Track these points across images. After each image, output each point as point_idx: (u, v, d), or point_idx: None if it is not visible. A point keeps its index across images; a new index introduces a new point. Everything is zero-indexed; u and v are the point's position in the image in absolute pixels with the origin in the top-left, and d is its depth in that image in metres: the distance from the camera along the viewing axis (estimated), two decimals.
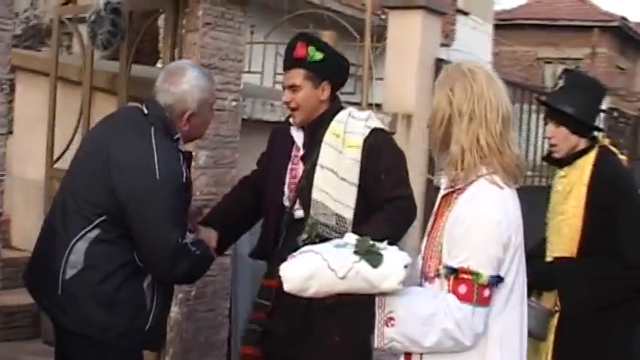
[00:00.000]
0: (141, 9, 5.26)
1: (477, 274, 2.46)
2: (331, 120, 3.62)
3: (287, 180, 3.66)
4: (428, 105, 6.61)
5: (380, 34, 7.80)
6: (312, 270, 2.44)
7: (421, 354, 2.54)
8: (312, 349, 3.51)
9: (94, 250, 3.10)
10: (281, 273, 2.53)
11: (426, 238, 2.70)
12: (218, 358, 4.73)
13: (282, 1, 4.50)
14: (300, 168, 3.64)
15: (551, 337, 3.68)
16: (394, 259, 2.44)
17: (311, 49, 3.61)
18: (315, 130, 3.62)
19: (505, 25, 24.50)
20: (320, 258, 2.46)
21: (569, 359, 3.68)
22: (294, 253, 2.59)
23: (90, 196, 3.15)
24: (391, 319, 2.47)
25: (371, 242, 2.51)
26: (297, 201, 3.61)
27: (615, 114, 12.62)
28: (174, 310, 4.47)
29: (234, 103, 4.82)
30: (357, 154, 3.51)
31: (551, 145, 3.81)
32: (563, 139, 3.74)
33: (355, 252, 2.45)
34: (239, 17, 4.82)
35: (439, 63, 7.06)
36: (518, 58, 26.40)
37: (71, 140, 5.44)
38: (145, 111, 3.28)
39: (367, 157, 3.50)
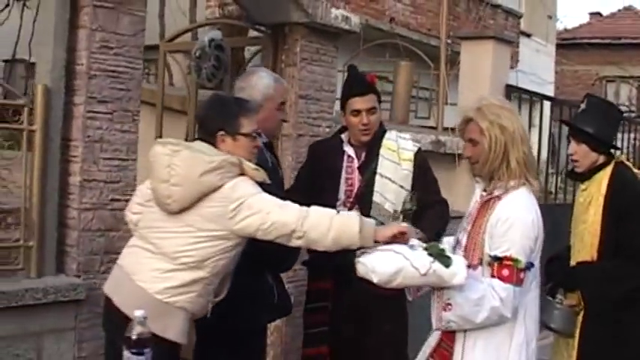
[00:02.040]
0: (242, 45, 5.81)
1: (517, 261, 3.14)
2: (382, 138, 4.24)
3: (343, 188, 4.24)
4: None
5: (452, 61, 8.26)
6: (399, 267, 3.01)
7: (465, 331, 3.19)
8: (370, 337, 4.16)
9: None
10: (367, 265, 3.07)
11: (465, 235, 3.36)
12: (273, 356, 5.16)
13: (339, 33, 4.95)
14: (357, 177, 4.23)
15: (577, 334, 4.04)
16: (459, 261, 3.07)
17: (376, 80, 4.35)
18: (373, 146, 4.22)
19: (566, 45, 24.63)
20: (403, 257, 3.04)
21: (593, 354, 4.01)
22: (370, 251, 3.14)
23: None
24: (449, 304, 3.11)
25: (440, 247, 3.12)
26: (356, 205, 4.16)
27: None
28: None
29: (327, 130, 5.37)
30: (410, 166, 4.20)
31: (574, 161, 4.22)
32: (584, 155, 4.12)
33: (429, 254, 3.04)
34: (332, 52, 5.38)
35: (509, 89, 7.51)
36: (580, 76, 26.39)
37: None
38: None
39: (418, 170, 4.19)
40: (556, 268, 4.20)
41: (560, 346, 4.17)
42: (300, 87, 5.06)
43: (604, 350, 4.00)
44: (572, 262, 4.19)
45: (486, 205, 3.30)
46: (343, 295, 4.17)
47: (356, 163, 4.24)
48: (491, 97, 3.49)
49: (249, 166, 3.32)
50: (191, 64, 5.63)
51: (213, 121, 3.41)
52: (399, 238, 3.21)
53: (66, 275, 4.15)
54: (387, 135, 4.26)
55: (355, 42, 9.31)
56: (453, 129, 7.45)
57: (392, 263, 3.04)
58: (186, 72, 5.59)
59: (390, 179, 4.14)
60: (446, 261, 3.02)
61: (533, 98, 8.04)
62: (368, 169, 4.18)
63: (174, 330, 3.27)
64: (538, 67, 17.74)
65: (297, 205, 3.27)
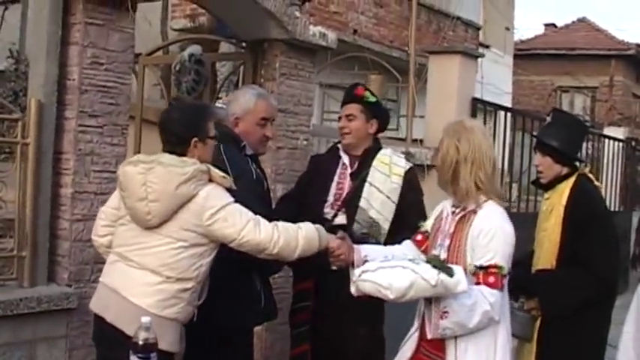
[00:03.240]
0: (224, 60, 5.95)
1: (501, 268, 3.33)
2: (377, 152, 4.51)
3: (333, 190, 4.50)
4: None
5: (418, 73, 8.48)
6: (412, 281, 3.15)
7: (455, 338, 3.32)
8: (348, 340, 4.35)
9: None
10: (382, 283, 3.20)
11: (444, 250, 3.49)
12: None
13: (315, 49, 5.11)
14: (348, 182, 4.49)
15: (535, 338, 4.27)
16: (459, 270, 3.23)
17: (367, 92, 4.59)
18: (365, 157, 4.49)
19: (522, 55, 25.02)
20: (411, 271, 3.18)
21: (551, 356, 4.23)
22: (370, 267, 3.28)
23: None
24: (445, 312, 3.25)
25: (440, 258, 3.32)
26: (342, 209, 4.39)
27: (633, 143, 13.15)
28: None
29: (305, 142, 5.54)
30: (399, 181, 4.44)
31: (539, 172, 4.46)
32: (548, 167, 4.36)
33: (433, 266, 3.19)
34: (309, 67, 5.55)
35: (474, 102, 7.76)
36: (535, 87, 26.80)
37: None
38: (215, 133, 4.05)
39: (406, 187, 4.43)
40: (517, 273, 4.42)
41: (522, 350, 4.38)
42: (279, 101, 5.20)
43: (560, 354, 4.20)
44: (533, 269, 4.41)
45: (463, 220, 3.47)
46: (323, 294, 4.38)
47: (349, 170, 4.49)
48: (466, 120, 3.71)
49: (217, 173, 3.46)
50: (172, 77, 5.76)
51: (186, 130, 3.48)
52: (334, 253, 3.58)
53: (57, 284, 4.27)
54: (383, 151, 4.53)
55: (323, 55, 9.50)
56: (421, 140, 7.69)
57: (405, 278, 3.16)
58: (173, 84, 5.72)
59: (378, 189, 4.37)
60: (450, 271, 3.17)
61: (496, 110, 8.27)
62: (359, 176, 4.42)
63: (168, 340, 3.38)
64: (496, 78, 18.04)
65: (268, 224, 3.46)
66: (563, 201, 4.25)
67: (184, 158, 3.42)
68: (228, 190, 3.47)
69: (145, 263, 3.40)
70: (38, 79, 4.17)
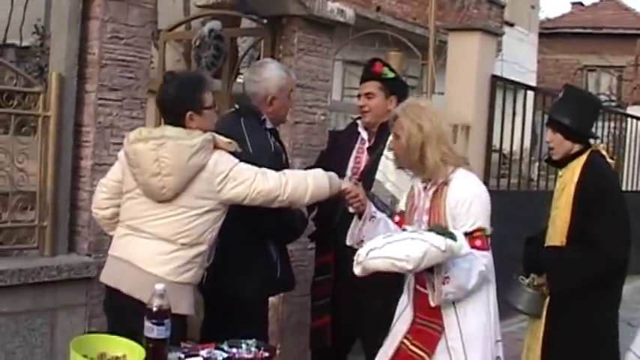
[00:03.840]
0: (243, 35, 6.01)
1: (484, 230, 3.49)
2: None
3: (351, 164, 4.56)
4: (485, 117, 7.34)
5: (438, 51, 8.49)
6: (424, 250, 3.21)
7: (453, 303, 3.46)
8: (363, 313, 4.42)
9: (222, 230, 3.88)
10: (397, 256, 3.23)
11: (425, 226, 3.56)
12: (306, 336, 5.25)
13: (333, 25, 5.15)
14: (365, 157, 4.54)
15: (543, 316, 4.29)
16: (459, 234, 3.35)
17: (385, 69, 4.61)
18: (384, 131, 4.42)
19: (548, 34, 24.90)
20: (421, 241, 3.24)
21: (559, 334, 4.25)
22: (377, 244, 3.31)
23: None
24: (447, 277, 3.35)
25: (441, 225, 3.40)
26: (360, 183, 4.38)
27: None
28: None
29: (322, 117, 5.60)
30: None
31: (550, 149, 4.45)
32: (559, 143, 4.34)
33: (437, 232, 3.26)
34: (327, 43, 5.61)
35: (494, 79, 7.76)
36: (561, 66, 26.68)
37: None
38: (237, 106, 4.17)
39: None
40: (528, 250, 4.47)
41: (532, 326, 4.43)
42: (297, 76, 5.22)
43: (568, 332, 4.21)
44: (544, 246, 4.42)
45: (437, 193, 3.58)
46: (343, 267, 4.42)
47: (367, 144, 4.56)
48: (419, 100, 3.89)
49: (222, 139, 3.54)
50: (192, 52, 5.83)
51: (179, 104, 3.53)
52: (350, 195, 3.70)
53: (77, 254, 4.37)
54: None
55: (344, 31, 9.53)
56: None
57: (418, 247, 3.22)
58: (193, 59, 5.80)
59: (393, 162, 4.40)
60: (453, 236, 3.26)
61: (517, 88, 8.27)
62: (376, 150, 4.47)
63: (185, 304, 3.52)
64: (520, 57, 17.99)
65: (275, 172, 3.58)
66: (575, 178, 4.25)
67: (189, 130, 3.50)
68: (234, 154, 3.56)
69: (159, 233, 3.49)
70: (59, 53, 4.26)
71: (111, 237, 4.30)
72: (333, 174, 3.73)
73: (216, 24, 5.74)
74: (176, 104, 3.54)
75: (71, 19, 4.23)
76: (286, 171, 3.65)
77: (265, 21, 5.66)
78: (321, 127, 5.59)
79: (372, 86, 4.54)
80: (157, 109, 6.21)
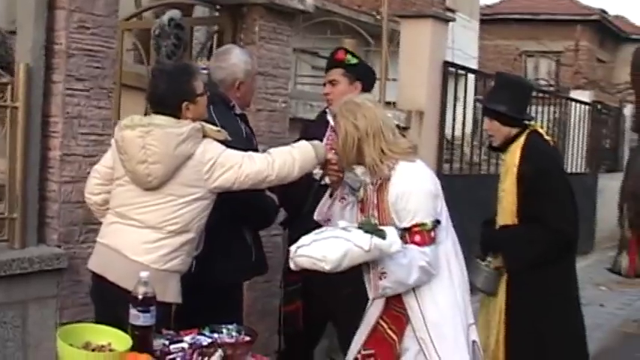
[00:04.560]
0: (201, 24, 6.02)
1: (423, 224, 3.45)
2: None
3: None
4: (437, 103, 7.47)
5: (389, 38, 8.58)
6: (345, 249, 3.25)
7: (413, 289, 3.48)
8: (334, 299, 4.48)
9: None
10: (316, 256, 3.29)
11: (376, 220, 3.56)
12: (272, 321, 5.41)
13: (293, 13, 5.20)
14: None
15: (503, 292, 4.48)
16: (391, 231, 3.36)
17: (348, 55, 4.70)
18: None
19: (487, 20, 25.20)
20: (344, 240, 3.29)
21: (518, 310, 4.44)
22: (305, 241, 3.35)
23: None
24: (384, 273, 3.40)
25: (372, 222, 3.44)
26: None
27: (599, 106, 13.39)
28: None
29: (283, 105, 5.65)
30: None
31: (490, 136, 4.65)
32: (497, 130, 4.53)
33: (366, 231, 3.31)
34: (287, 31, 5.64)
35: (446, 65, 7.89)
36: (501, 51, 27.02)
37: None
38: None
39: None
40: (483, 233, 4.62)
41: (488, 304, 4.58)
42: (259, 65, 5.28)
43: (527, 309, 4.41)
44: (497, 226, 4.60)
45: (381, 188, 3.59)
46: None
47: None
48: (354, 97, 3.83)
49: (211, 128, 3.59)
50: (151, 41, 5.82)
51: (173, 97, 3.57)
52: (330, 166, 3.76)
53: (47, 245, 4.34)
54: None
55: (295, 20, 9.54)
56: (393, 103, 7.82)
57: (338, 248, 3.26)
58: (153, 48, 5.78)
59: None
60: (382, 234, 3.28)
61: (459, 73, 8.41)
62: None
63: (172, 292, 3.57)
64: (462, 44, 18.18)
65: (260, 154, 3.67)
66: (516, 160, 4.42)
67: (177, 120, 3.53)
68: (223, 142, 3.60)
69: (146, 220, 3.52)
70: (26, 44, 4.21)
71: (81, 227, 4.34)
72: (317, 142, 3.79)
73: (175, 13, 5.74)
74: (170, 97, 3.57)
75: (37, 9, 4.19)
76: (271, 150, 3.70)
77: (218, 8, 5.67)
78: (281, 115, 5.63)
79: (336, 73, 4.63)
80: (116, 99, 6.27)
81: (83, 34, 4.31)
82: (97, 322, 3.43)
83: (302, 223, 3.99)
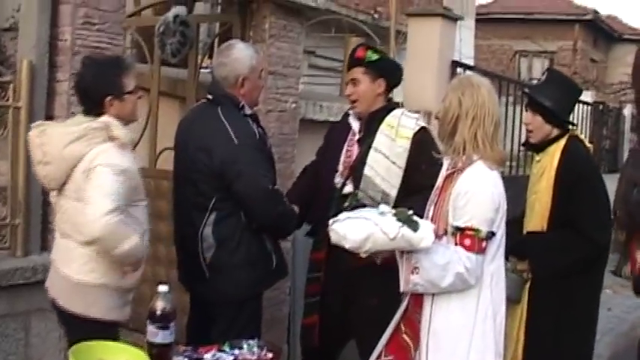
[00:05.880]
0: (209, 21, 5.79)
1: (477, 231, 3.27)
2: (386, 114, 4.29)
3: (342, 159, 4.35)
4: None
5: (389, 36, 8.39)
6: (369, 232, 3.16)
7: (433, 295, 3.32)
8: (357, 311, 4.24)
9: (218, 229, 3.79)
10: (339, 232, 3.22)
11: (432, 207, 3.49)
12: (281, 330, 5.28)
13: (303, 10, 4.99)
14: (356, 150, 4.32)
15: (525, 300, 4.27)
16: (426, 226, 3.22)
17: (369, 52, 4.36)
18: (373, 120, 4.29)
19: (481, 20, 25.04)
20: (372, 223, 3.19)
21: (540, 319, 4.23)
22: (341, 217, 3.29)
23: (197, 191, 3.84)
24: (416, 268, 3.26)
25: (408, 213, 3.26)
26: (350, 178, 4.26)
27: (600, 107, 13.27)
28: None
29: (293, 105, 5.43)
30: (406, 144, 4.20)
31: (529, 132, 4.40)
32: (538, 126, 4.31)
33: (398, 219, 3.19)
34: (297, 29, 5.43)
35: (454, 64, 7.70)
36: (494, 51, 26.89)
37: (139, 141, 5.90)
38: (210, 97, 3.98)
39: (414, 149, 4.18)
40: (508, 235, 4.40)
41: (510, 312, 4.34)
42: (269, 63, 5.09)
43: (550, 317, 4.21)
44: (524, 231, 4.39)
45: (450, 177, 3.44)
46: (333, 265, 4.27)
47: (357, 137, 4.35)
48: (475, 76, 3.67)
49: (117, 126, 3.28)
50: (155, 39, 5.59)
51: (97, 89, 3.33)
52: None
53: (49, 253, 4.12)
54: (393, 112, 4.31)
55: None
56: (401, 103, 7.58)
57: (362, 229, 3.18)
58: (157, 46, 5.56)
59: (383, 154, 4.19)
60: (414, 225, 3.16)
61: (476, 73, 8.22)
62: (366, 142, 4.26)
63: (98, 307, 3.28)
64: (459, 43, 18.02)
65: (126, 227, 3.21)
66: (555, 163, 4.23)
67: (82, 118, 3.33)
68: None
69: (64, 229, 3.34)
70: (29, 40, 4.01)
71: None
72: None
73: (181, 9, 5.50)
74: (94, 89, 3.33)
75: (41, 3, 3.98)
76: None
77: (220, 4, 5.46)
78: (291, 115, 5.42)
79: (357, 72, 4.33)
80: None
81: (89, 30, 4.12)
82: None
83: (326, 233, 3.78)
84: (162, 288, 2.88)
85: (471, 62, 19.44)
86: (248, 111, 3.94)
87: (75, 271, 3.27)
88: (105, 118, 3.27)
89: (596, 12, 27.10)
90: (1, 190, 4.05)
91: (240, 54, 3.97)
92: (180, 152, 4.06)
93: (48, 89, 4.06)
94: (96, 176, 3.16)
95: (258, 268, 3.86)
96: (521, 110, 8.39)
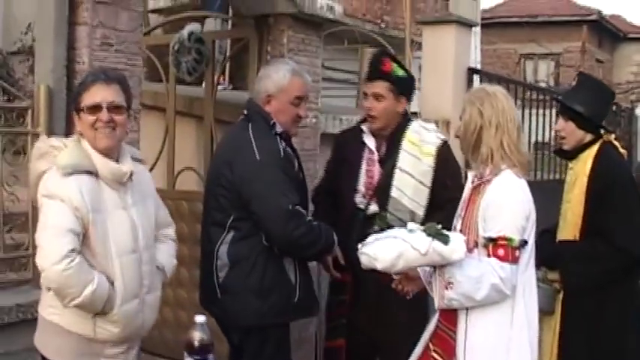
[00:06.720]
0: (224, 37, 5.70)
1: (510, 240, 3.23)
2: (405, 129, 4.15)
3: (363, 179, 4.18)
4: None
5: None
6: (400, 251, 3.13)
7: (467, 310, 3.26)
8: (385, 329, 4.13)
9: (233, 249, 3.66)
10: (370, 255, 3.17)
11: (460, 220, 3.45)
12: (308, 350, 5.16)
13: (321, 22, 4.91)
14: (377, 170, 4.17)
15: (558, 311, 4.15)
16: (456, 238, 3.18)
17: (395, 65, 4.18)
18: (394, 138, 4.15)
19: (485, 24, 24.96)
20: (402, 241, 3.15)
21: (573, 331, 4.11)
22: (369, 240, 3.23)
23: (219, 206, 3.72)
24: (450, 283, 3.20)
25: (437, 227, 3.20)
26: (374, 199, 4.11)
27: (614, 107, 13.10)
28: None
29: (314, 120, 5.33)
30: (431, 161, 4.10)
31: (561, 138, 4.27)
32: (571, 132, 4.18)
33: (428, 234, 3.14)
34: (315, 42, 5.34)
35: (470, 71, 7.56)
36: (500, 55, 26.85)
37: (156, 161, 5.80)
38: (245, 112, 3.86)
39: (439, 166, 4.10)
40: (539, 245, 4.26)
41: (542, 324, 4.21)
42: None
43: (583, 330, 4.08)
44: (556, 240, 4.26)
45: (477, 189, 3.38)
46: (360, 287, 4.14)
47: (376, 156, 4.19)
48: (487, 86, 3.64)
49: (62, 147, 2.99)
50: (170, 57, 5.50)
51: (72, 102, 3.15)
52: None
53: None
54: (411, 127, 4.17)
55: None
56: (417, 113, 7.48)
57: (393, 248, 3.14)
58: (172, 64, 5.47)
59: (409, 174, 4.07)
60: (444, 239, 3.12)
61: (491, 80, 8.11)
62: (389, 162, 4.12)
63: (51, 347, 3.09)
64: None
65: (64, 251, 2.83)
66: (587, 170, 4.11)
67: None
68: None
69: None
70: (46, 64, 3.90)
71: None
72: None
73: (195, 26, 5.42)
74: (72, 102, 3.14)
75: (58, 25, 3.86)
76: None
77: (230, 19, 5.36)
78: (313, 131, 5.34)
79: (381, 87, 4.12)
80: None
81: (107, 51, 4.01)
82: None
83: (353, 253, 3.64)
84: (200, 318, 2.75)
85: (478, 67, 19.41)
86: (279, 129, 3.77)
87: (41, 304, 3.11)
88: (73, 137, 3.07)
89: (600, 12, 27.03)
90: (19, 217, 3.92)
91: (273, 71, 3.84)
92: (211, 166, 4.02)
93: (67, 114, 3.93)
94: (41, 208, 2.93)
95: (273, 297, 3.66)
96: (530, 113, 8.35)
